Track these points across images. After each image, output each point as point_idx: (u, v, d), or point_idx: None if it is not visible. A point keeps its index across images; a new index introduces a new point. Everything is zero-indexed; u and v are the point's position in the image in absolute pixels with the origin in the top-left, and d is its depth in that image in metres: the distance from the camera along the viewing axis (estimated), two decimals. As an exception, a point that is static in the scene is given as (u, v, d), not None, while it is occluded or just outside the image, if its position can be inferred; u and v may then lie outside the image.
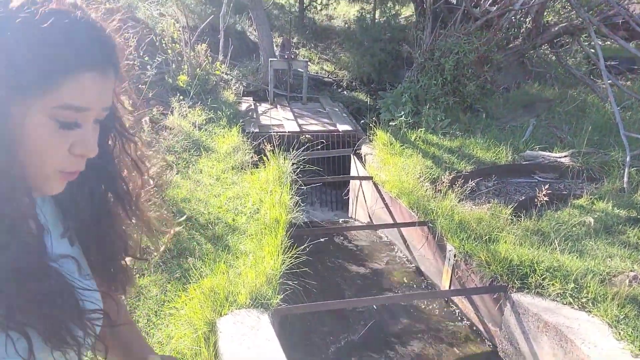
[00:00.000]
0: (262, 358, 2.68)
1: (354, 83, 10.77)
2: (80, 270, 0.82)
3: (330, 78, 11.05)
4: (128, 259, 0.98)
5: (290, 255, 3.66)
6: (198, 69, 7.79)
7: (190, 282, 3.44)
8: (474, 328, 3.96)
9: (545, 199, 4.09)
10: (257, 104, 8.55)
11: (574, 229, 4.24)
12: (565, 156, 5.82)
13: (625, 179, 4.96)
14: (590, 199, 4.84)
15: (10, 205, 0.66)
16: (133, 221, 0.93)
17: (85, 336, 0.76)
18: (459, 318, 4.10)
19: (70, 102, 0.68)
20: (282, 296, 3.30)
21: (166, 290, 3.50)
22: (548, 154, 5.96)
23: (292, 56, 8.80)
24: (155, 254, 1.06)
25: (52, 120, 0.68)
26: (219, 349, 2.83)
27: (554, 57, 9.59)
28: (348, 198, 6.76)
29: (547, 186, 4.36)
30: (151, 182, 0.96)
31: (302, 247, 3.76)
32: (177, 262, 3.81)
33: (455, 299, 4.21)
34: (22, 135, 0.67)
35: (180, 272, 3.66)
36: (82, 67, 0.69)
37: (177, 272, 3.66)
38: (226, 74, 9.09)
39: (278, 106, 8.49)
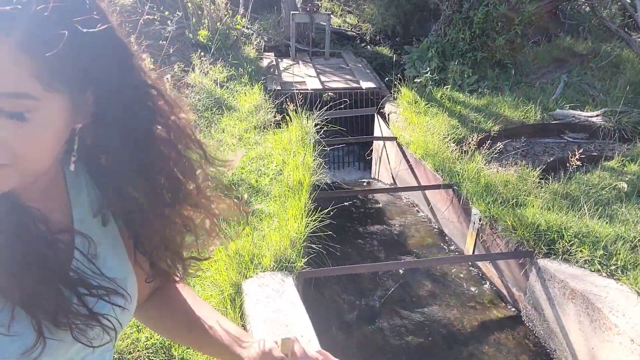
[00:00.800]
0: (287, 320, 2.72)
1: (378, 37, 10.46)
2: (90, 248, 0.77)
3: (353, 32, 10.75)
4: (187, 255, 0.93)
5: (313, 218, 3.66)
6: (218, 23, 7.63)
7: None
8: (498, 293, 3.95)
9: (578, 163, 3.98)
10: (279, 60, 8.40)
11: (604, 192, 4.13)
12: (597, 115, 5.62)
13: (661, 141, 4.79)
14: (622, 160, 4.70)
15: None
16: (190, 213, 0.86)
17: (80, 311, 0.72)
18: (483, 282, 4.10)
19: None
20: (306, 259, 3.32)
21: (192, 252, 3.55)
22: (579, 112, 5.77)
23: (315, 9, 8.55)
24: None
25: None
26: (244, 311, 2.88)
27: (587, 9, 9.15)
28: (371, 158, 6.70)
29: (580, 150, 4.23)
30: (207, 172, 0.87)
31: (326, 210, 3.75)
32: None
33: (480, 263, 4.19)
34: None
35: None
36: None
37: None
38: (247, 28, 8.91)
39: (300, 62, 8.33)
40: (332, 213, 3.82)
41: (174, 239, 0.88)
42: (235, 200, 0.93)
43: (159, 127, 0.77)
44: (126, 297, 0.81)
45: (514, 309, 3.77)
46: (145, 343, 2.81)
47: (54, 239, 0.71)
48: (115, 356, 2.71)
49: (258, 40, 8.68)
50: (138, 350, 2.78)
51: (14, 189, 0.66)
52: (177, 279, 0.97)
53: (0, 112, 0.60)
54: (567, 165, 4.15)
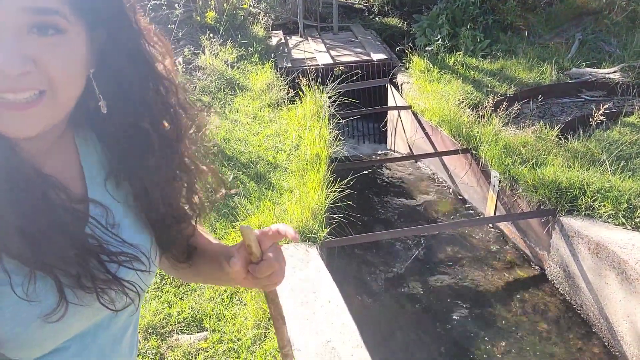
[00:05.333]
0: (314, 287, 2.76)
1: (385, 8, 10.30)
2: (107, 217, 0.79)
3: (360, 4, 10.62)
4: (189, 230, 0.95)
5: (333, 189, 3.68)
6: (225, 4, 7.60)
7: (237, 220, 3.53)
8: (521, 253, 3.96)
9: (602, 118, 3.94)
10: (288, 38, 8.34)
11: (625, 147, 4.08)
12: (614, 72, 5.51)
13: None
14: (643, 115, 4.63)
15: None
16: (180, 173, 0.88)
17: (103, 277, 0.73)
18: (506, 244, 4.10)
19: None
20: (328, 230, 3.36)
21: (215, 229, 3.61)
22: (595, 70, 5.66)
23: (320, -17, 8.46)
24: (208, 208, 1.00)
25: None
26: (271, 282, 2.93)
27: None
28: (386, 130, 6.67)
29: (606, 105, 4.19)
30: (196, 130, 0.89)
31: (345, 181, 3.77)
32: (223, 200, 3.89)
33: (501, 225, 4.19)
34: None
35: (227, 210, 3.75)
36: None
37: (224, 211, 3.75)
38: (254, 7, 8.85)
39: (309, 38, 8.27)
40: (351, 183, 3.84)
41: (177, 200, 0.89)
42: (213, 167, 0.94)
43: (153, 74, 0.79)
44: (148, 262, 0.82)
45: (538, 268, 3.77)
46: (177, 317, 2.89)
47: (72, 207, 0.72)
48: (149, 330, 2.79)
49: (265, 18, 8.63)
50: (170, 325, 2.85)
51: (41, 132, 0.67)
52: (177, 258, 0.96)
53: (48, 27, 0.63)
54: (590, 121, 4.12)
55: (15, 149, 0.66)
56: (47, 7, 0.62)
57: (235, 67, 6.51)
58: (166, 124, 0.83)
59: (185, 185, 0.90)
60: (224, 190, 0.97)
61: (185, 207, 0.93)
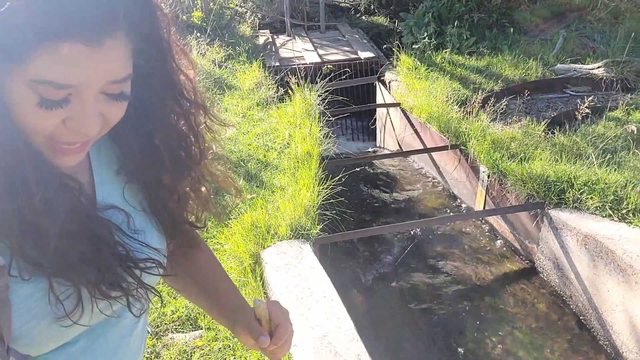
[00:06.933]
0: (308, 284, 2.78)
1: (372, 6, 10.34)
2: (129, 223, 0.78)
3: (347, 3, 10.65)
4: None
5: (325, 186, 3.70)
6: (212, 3, 7.58)
7: (230, 218, 3.52)
8: (510, 247, 4.01)
9: (587, 111, 4.02)
10: (275, 37, 8.35)
11: (610, 141, 4.16)
12: (598, 67, 5.60)
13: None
14: (627, 109, 4.71)
15: (32, 173, 0.62)
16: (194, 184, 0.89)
17: (132, 285, 0.73)
18: (495, 238, 4.15)
19: (46, 78, 0.57)
20: (321, 226, 3.37)
21: (207, 227, 3.60)
22: (580, 66, 5.75)
23: (307, -18, 8.47)
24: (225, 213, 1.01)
25: (34, 93, 0.58)
26: (265, 279, 2.94)
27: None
28: (375, 128, 6.70)
29: (590, 98, 4.31)
30: (213, 147, 0.90)
31: (337, 178, 3.79)
32: (214, 199, 3.89)
33: (490, 219, 4.24)
34: (8, 103, 0.59)
35: (219, 209, 3.74)
36: (57, 37, 0.55)
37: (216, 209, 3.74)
38: (240, 6, 8.84)
39: (296, 37, 8.27)
40: (342, 180, 3.86)
41: (188, 196, 0.90)
42: (229, 173, 0.95)
43: (173, 94, 0.78)
44: (169, 266, 0.84)
45: (527, 261, 3.83)
46: (171, 316, 2.89)
47: (97, 215, 0.73)
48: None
49: (252, 18, 8.62)
50: (165, 324, 2.85)
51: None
52: (198, 242, 0.98)
53: (118, 95, 0.65)
54: (576, 115, 4.20)
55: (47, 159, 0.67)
56: (124, 77, 0.64)
57: (223, 67, 6.50)
58: (183, 145, 0.82)
59: (197, 195, 0.92)
60: (238, 199, 1.00)
61: (199, 214, 0.95)
